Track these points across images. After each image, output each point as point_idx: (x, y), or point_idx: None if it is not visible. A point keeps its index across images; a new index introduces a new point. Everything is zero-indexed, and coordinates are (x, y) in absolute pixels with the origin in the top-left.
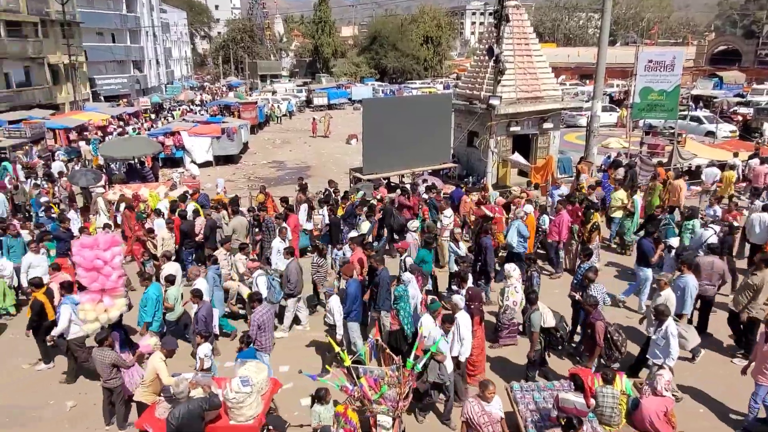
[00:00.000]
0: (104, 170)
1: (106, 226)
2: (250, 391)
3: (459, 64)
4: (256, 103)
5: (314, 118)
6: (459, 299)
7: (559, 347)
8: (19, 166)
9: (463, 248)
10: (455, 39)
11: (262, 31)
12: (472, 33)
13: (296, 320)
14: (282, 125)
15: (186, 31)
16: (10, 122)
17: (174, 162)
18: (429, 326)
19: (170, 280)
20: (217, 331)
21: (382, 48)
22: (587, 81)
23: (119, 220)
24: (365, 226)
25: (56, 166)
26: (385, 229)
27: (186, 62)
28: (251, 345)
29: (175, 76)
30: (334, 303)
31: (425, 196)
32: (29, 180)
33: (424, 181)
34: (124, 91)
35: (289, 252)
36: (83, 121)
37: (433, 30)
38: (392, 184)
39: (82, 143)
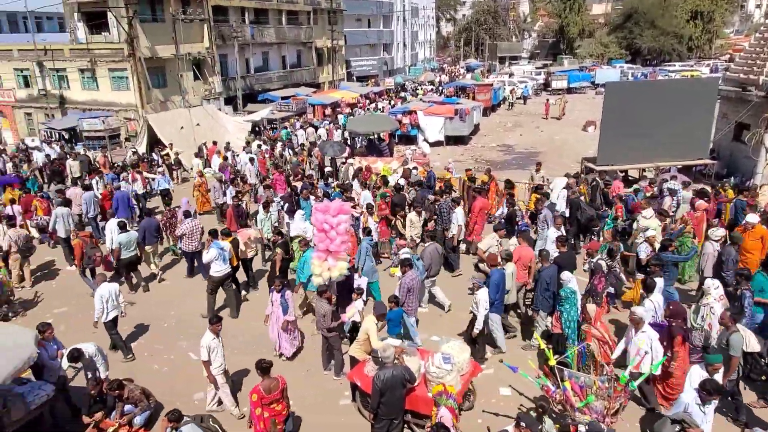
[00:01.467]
0: (348, 143)
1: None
2: (450, 369)
3: (735, 44)
4: (491, 85)
5: (548, 100)
6: (643, 312)
7: (763, 378)
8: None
9: None
10: (733, 13)
11: (506, 11)
12: (758, 6)
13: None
14: (512, 110)
15: (433, 14)
16: (283, 98)
17: (408, 139)
18: (695, 376)
19: None
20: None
21: (638, 26)
22: None
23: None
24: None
25: (321, 133)
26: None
27: (429, 45)
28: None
29: (419, 58)
30: (482, 295)
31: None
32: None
33: (673, 177)
34: (373, 72)
35: (430, 236)
36: (337, 98)
37: (705, 3)
38: (630, 178)
39: (341, 116)
